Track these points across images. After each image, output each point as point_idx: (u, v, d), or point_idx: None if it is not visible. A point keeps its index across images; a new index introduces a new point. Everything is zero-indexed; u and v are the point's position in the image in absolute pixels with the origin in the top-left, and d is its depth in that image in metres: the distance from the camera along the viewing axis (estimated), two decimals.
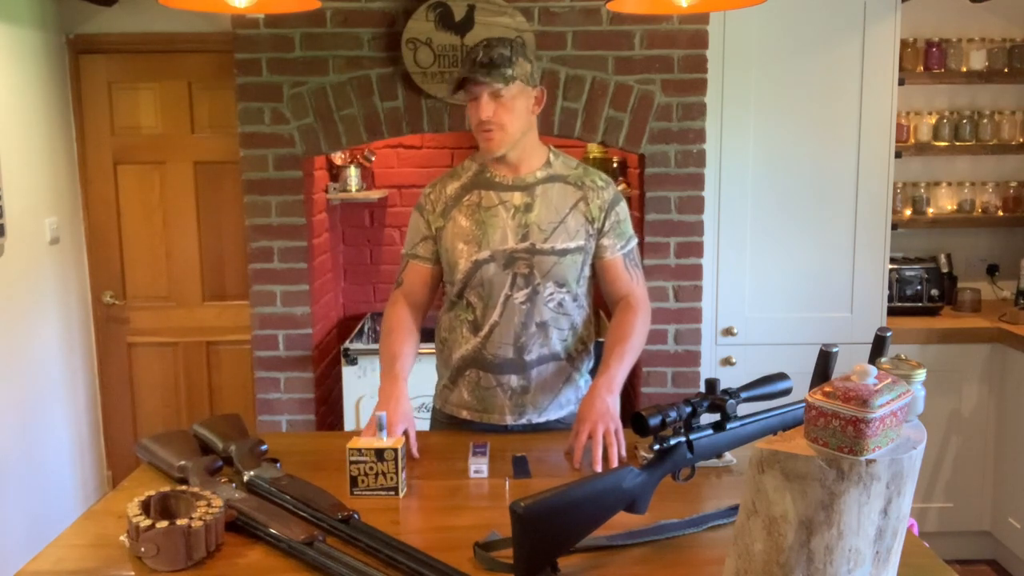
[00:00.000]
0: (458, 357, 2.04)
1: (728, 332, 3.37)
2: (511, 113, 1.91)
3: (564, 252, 1.97)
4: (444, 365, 2.11)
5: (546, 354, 2.01)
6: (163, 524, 1.37)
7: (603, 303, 2.14)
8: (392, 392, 1.88)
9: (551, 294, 1.98)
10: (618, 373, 1.92)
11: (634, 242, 2.06)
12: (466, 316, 2.01)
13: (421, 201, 2.06)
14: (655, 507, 1.45)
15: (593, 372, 2.08)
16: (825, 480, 1.04)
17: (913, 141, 3.70)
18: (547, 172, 2.01)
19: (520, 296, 1.97)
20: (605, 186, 2.03)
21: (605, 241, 2.01)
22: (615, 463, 1.77)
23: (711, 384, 1.46)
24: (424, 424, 2.24)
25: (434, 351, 2.17)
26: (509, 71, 1.88)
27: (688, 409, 1.43)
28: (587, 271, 2.03)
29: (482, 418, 2.05)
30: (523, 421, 2.03)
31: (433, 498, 1.68)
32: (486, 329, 1.99)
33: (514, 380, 2.01)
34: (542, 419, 2.05)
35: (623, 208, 2.04)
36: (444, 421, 2.12)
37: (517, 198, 1.98)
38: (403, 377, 1.92)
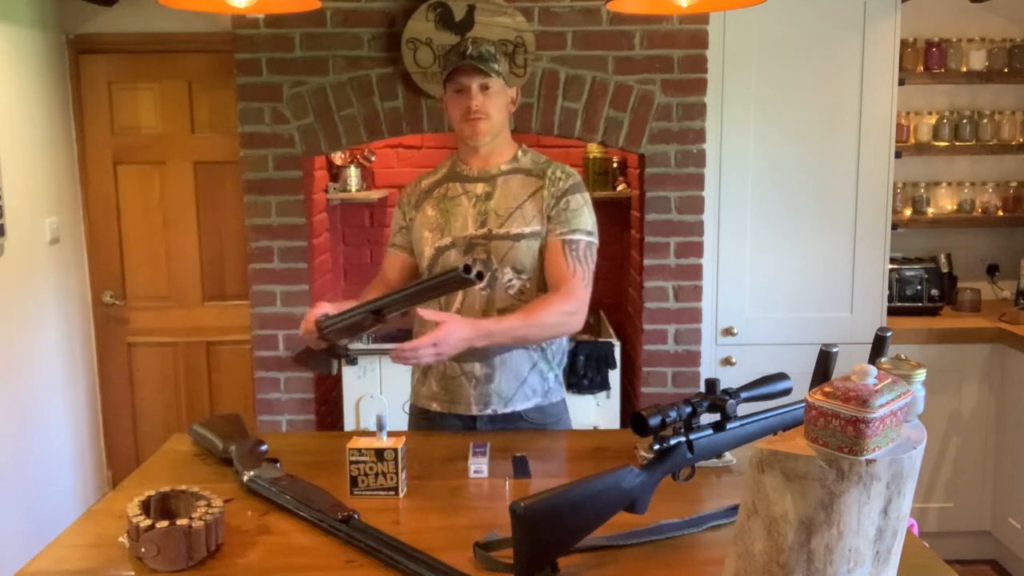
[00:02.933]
0: None
1: (728, 332, 3.37)
2: (496, 105, 2.02)
3: (519, 237, 2.01)
4: None
5: None
6: (163, 524, 1.37)
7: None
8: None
9: (510, 280, 2.02)
10: (492, 328, 1.90)
11: (582, 236, 2.01)
12: (433, 306, 2.04)
13: (401, 198, 2.18)
14: (655, 507, 1.44)
15: (588, 369, 2.11)
16: (825, 480, 1.04)
17: (913, 141, 3.70)
18: (512, 166, 2.09)
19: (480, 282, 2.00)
20: (565, 178, 2.06)
21: (549, 225, 2.03)
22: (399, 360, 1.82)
23: (711, 384, 1.46)
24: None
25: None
26: (496, 66, 2.00)
27: (688, 409, 1.43)
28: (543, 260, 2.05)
29: (450, 408, 2.08)
30: (488, 411, 2.06)
31: (433, 498, 1.68)
32: None
33: (477, 368, 2.04)
34: (507, 409, 2.06)
35: (577, 199, 2.03)
36: (418, 416, 2.17)
37: (480, 188, 2.07)
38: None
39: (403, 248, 2.16)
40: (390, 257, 2.18)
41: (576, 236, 2.02)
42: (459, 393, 2.06)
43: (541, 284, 2.05)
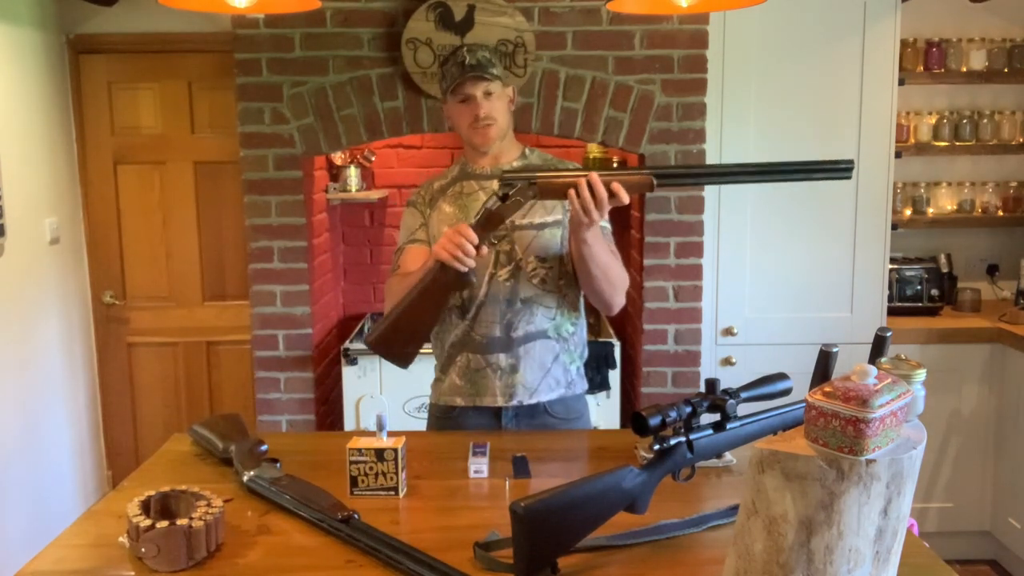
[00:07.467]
0: (448, 344, 2.11)
1: (728, 332, 3.37)
2: (500, 108, 2.06)
3: (542, 226, 2.05)
4: (437, 357, 2.17)
5: (533, 331, 2.05)
6: (163, 524, 1.37)
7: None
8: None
9: (534, 269, 2.05)
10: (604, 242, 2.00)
11: (606, 224, 2.06)
12: (454, 302, 2.06)
13: (413, 199, 2.19)
14: (655, 507, 1.44)
15: (588, 369, 2.12)
16: (825, 480, 1.04)
17: (913, 141, 3.70)
18: (523, 162, 2.14)
19: (504, 273, 2.04)
20: (575, 169, 2.13)
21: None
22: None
23: (711, 384, 1.45)
24: (421, 424, 2.26)
25: (430, 351, 2.20)
26: (495, 70, 2.04)
27: (688, 409, 1.43)
28: (568, 249, 2.07)
29: (474, 401, 2.08)
30: (514, 403, 2.07)
31: (433, 498, 1.68)
32: (473, 310, 2.05)
33: (503, 359, 2.05)
34: (533, 400, 2.08)
35: None
36: (439, 415, 2.16)
37: (495, 183, 2.07)
38: None
39: (426, 243, 2.13)
40: (412, 250, 2.13)
41: (604, 223, 2.06)
42: (484, 385, 2.07)
43: (563, 274, 2.08)
